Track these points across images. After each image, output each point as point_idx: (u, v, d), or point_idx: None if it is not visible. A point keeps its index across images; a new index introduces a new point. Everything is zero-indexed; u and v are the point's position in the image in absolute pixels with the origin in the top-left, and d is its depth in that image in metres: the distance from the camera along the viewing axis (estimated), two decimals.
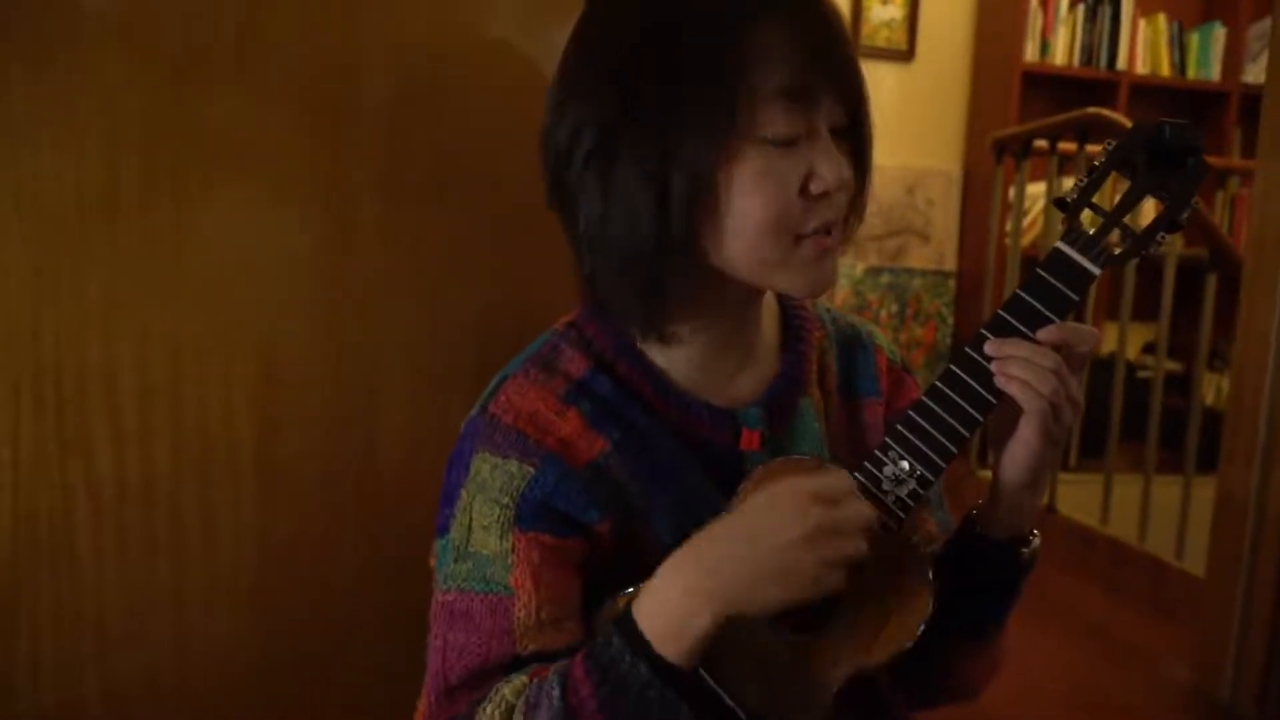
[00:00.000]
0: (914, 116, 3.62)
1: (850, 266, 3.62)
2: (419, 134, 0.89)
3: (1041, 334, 0.63)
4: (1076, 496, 2.54)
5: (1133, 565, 2.32)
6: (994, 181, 3.02)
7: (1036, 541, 0.70)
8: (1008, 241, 2.95)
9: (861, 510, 0.60)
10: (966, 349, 0.65)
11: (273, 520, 0.89)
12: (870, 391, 0.77)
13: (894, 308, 3.67)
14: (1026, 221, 3.31)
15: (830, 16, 0.64)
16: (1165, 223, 0.65)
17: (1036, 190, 3.28)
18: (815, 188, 0.63)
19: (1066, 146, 2.64)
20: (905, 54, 3.59)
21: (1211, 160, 3.39)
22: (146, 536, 0.87)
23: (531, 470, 0.63)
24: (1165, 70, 3.64)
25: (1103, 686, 1.84)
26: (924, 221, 3.68)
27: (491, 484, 0.63)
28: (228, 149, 0.86)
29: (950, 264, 3.70)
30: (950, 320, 3.71)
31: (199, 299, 0.86)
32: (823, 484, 0.59)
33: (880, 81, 3.57)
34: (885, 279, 3.66)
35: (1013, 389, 0.62)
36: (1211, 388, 3.40)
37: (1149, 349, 3.51)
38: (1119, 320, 2.61)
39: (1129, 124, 2.45)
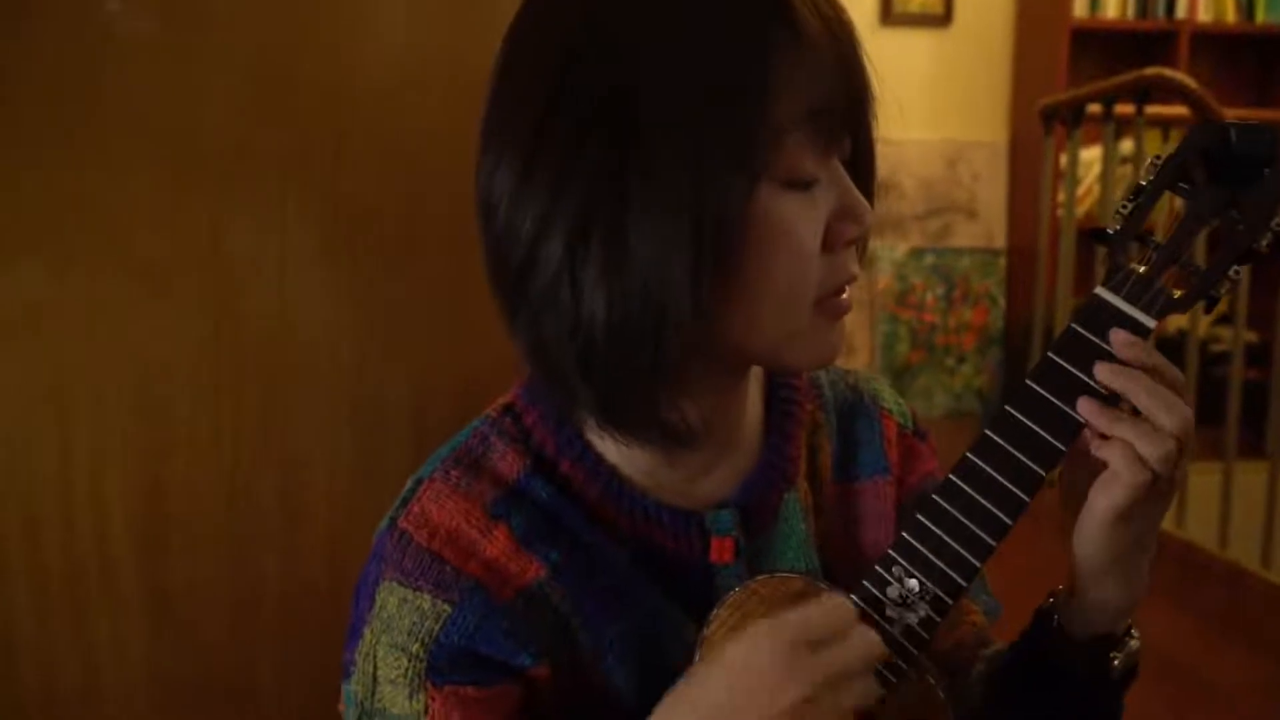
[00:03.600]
0: (953, 86, 3.42)
1: (891, 249, 3.44)
2: (313, 206, 0.78)
3: (1100, 370, 0.50)
4: None
5: (1211, 577, 2.12)
6: (1044, 151, 2.81)
7: (1134, 644, 0.56)
8: (1060, 214, 2.74)
9: (869, 643, 0.47)
10: (988, 431, 0.52)
11: (171, 662, 0.79)
12: (876, 469, 0.64)
13: (940, 290, 3.48)
14: (1081, 190, 3.10)
15: (849, 27, 0.51)
16: (1238, 253, 0.51)
17: (1091, 156, 3.06)
18: (840, 237, 0.52)
19: (1123, 110, 2.43)
20: (942, 19, 3.39)
21: None
22: (12, 679, 0.76)
23: (447, 609, 0.52)
24: (1230, 16, 3.36)
25: None
26: (969, 197, 3.48)
27: (399, 624, 0.53)
28: (84, 229, 0.75)
29: (1000, 241, 3.49)
30: (1002, 301, 3.51)
31: (69, 403, 0.75)
32: (815, 620, 0.47)
33: (915, 50, 3.38)
34: (930, 260, 3.47)
35: (1107, 452, 0.49)
36: None
37: (1221, 320, 3.26)
38: None
39: (1193, 84, 2.26)
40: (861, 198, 0.52)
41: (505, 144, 0.50)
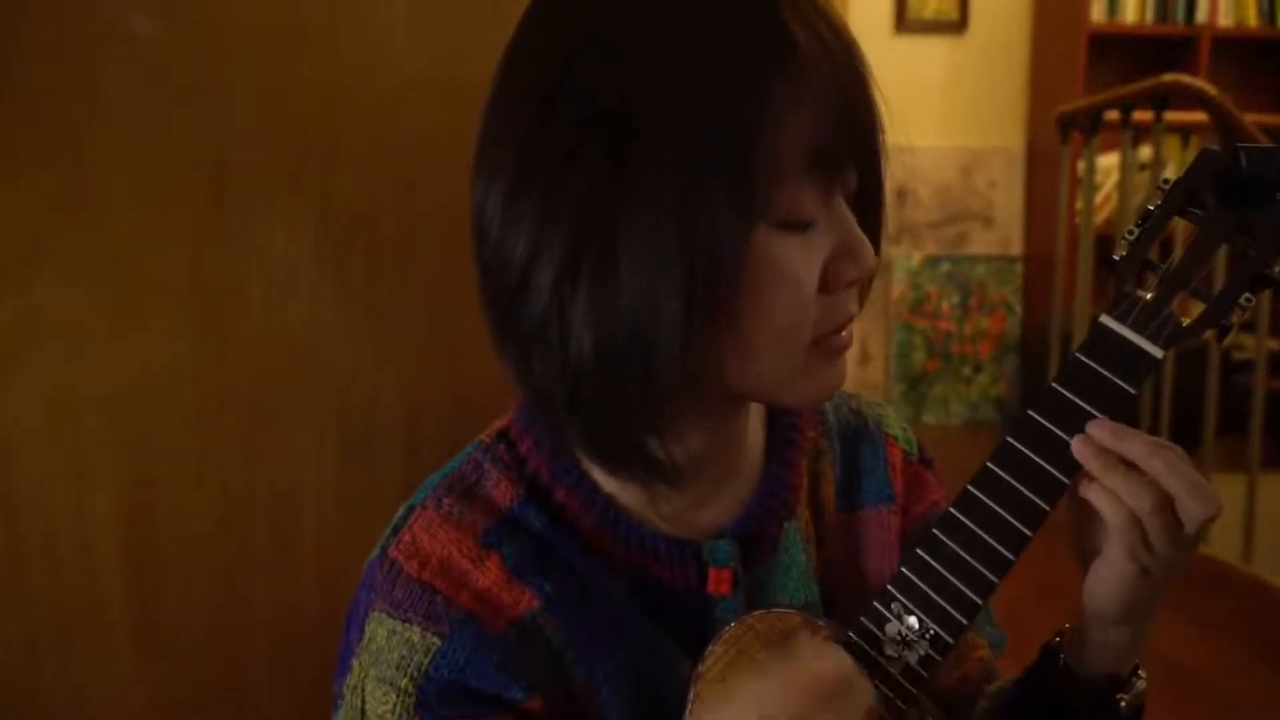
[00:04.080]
0: (969, 92, 3.39)
1: (906, 257, 3.42)
2: (302, 221, 0.78)
3: (1091, 430, 0.48)
4: None
5: (1235, 593, 2.08)
6: (1061, 158, 2.78)
7: (1142, 684, 0.55)
8: (1078, 221, 2.71)
9: (864, 699, 0.47)
10: (989, 464, 0.50)
11: (157, 690, 0.78)
12: (880, 498, 0.62)
13: (956, 299, 3.44)
14: (1099, 198, 3.06)
15: (856, 56, 0.49)
16: (1249, 279, 0.49)
17: (1109, 163, 3.03)
18: (839, 278, 0.50)
19: (1141, 116, 2.40)
20: (957, 25, 3.36)
21: None
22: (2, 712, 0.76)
23: (437, 642, 0.51)
24: (1252, 20, 3.31)
25: None
26: (985, 204, 3.44)
27: (388, 656, 0.52)
28: (63, 252, 0.75)
29: (1016, 248, 3.46)
30: (1018, 309, 3.47)
31: (54, 435, 0.74)
32: (827, 677, 0.46)
33: (931, 57, 3.36)
34: (945, 268, 3.44)
35: (1094, 496, 0.48)
36: None
37: (1245, 327, 3.20)
38: None
39: (1212, 91, 2.23)
40: (863, 238, 0.50)
41: (497, 164, 0.49)
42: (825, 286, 0.49)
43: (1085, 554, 0.51)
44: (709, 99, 0.45)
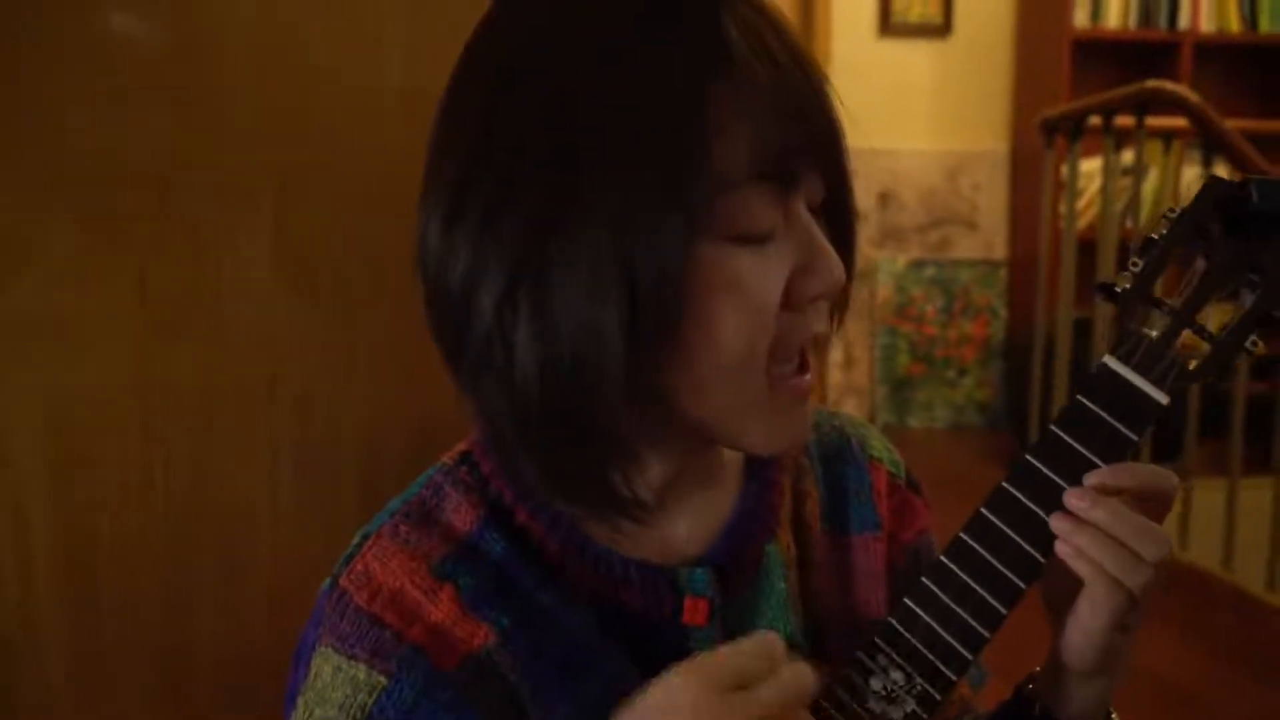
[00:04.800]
0: (953, 96, 3.38)
1: (891, 261, 3.40)
2: (255, 240, 0.74)
3: (1090, 479, 0.46)
4: None
5: (1216, 603, 2.07)
6: (1044, 163, 2.77)
7: None
8: (1062, 225, 2.70)
9: (798, 677, 0.42)
10: (984, 510, 0.47)
11: None
12: (866, 525, 0.60)
13: (940, 303, 3.44)
14: (1082, 203, 3.05)
15: (807, 66, 0.47)
16: (1257, 317, 0.47)
17: (1092, 167, 3.02)
18: (804, 293, 0.47)
19: (1124, 121, 2.39)
20: (941, 29, 3.35)
21: None
22: None
23: (383, 681, 0.48)
24: (1234, 26, 3.32)
25: None
26: (970, 208, 3.44)
27: (331, 695, 0.48)
28: (16, 272, 0.71)
29: (1000, 252, 3.45)
30: (1003, 313, 3.46)
31: None
32: (739, 659, 0.42)
33: (915, 61, 3.34)
34: (930, 272, 3.42)
35: (1080, 568, 0.46)
36: None
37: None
38: None
39: (1193, 97, 2.22)
40: (828, 249, 0.47)
41: (437, 188, 0.47)
42: (788, 302, 0.47)
43: (1057, 604, 0.49)
44: (642, 112, 0.43)
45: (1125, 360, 0.47)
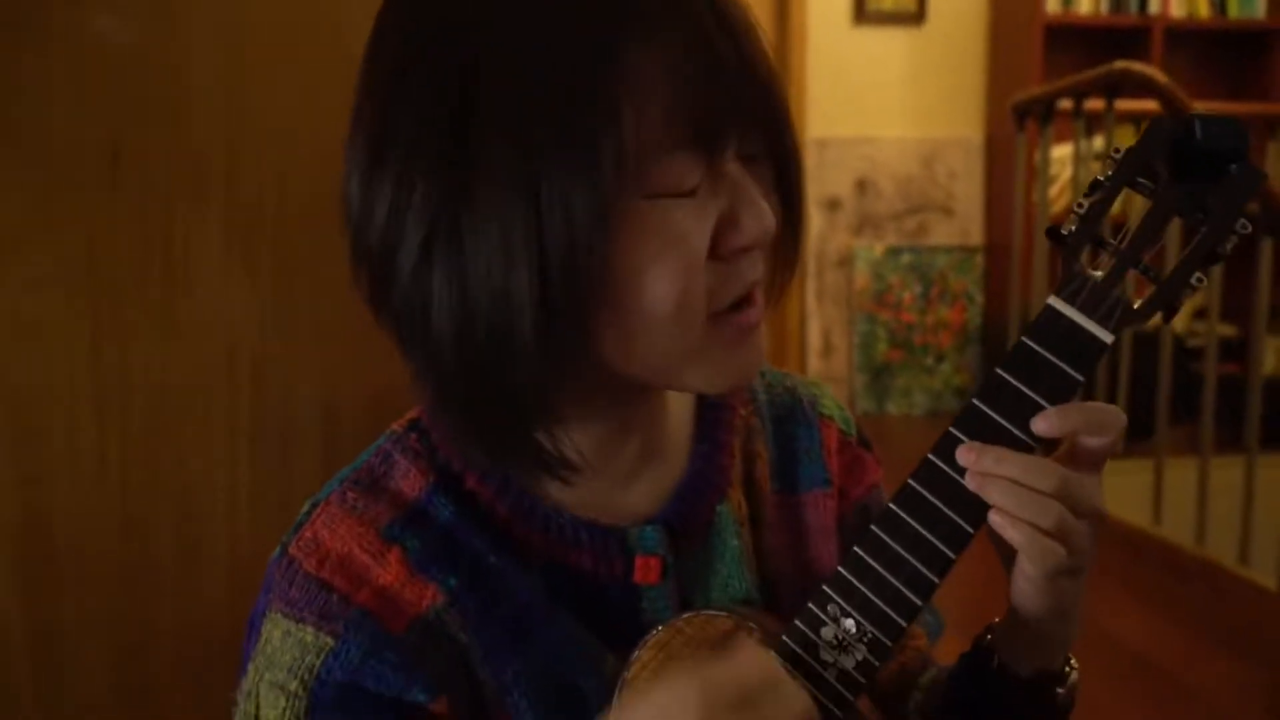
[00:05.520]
0: (928, 84, 3.39)
1: (869, 248, 3.41)
2: (206, 209, 0.73)
3: (1037, 423, 0.46)
4: (1122, 490, 2.31)
5: (1189, 577, 2.09)
6: (1017, 148, 2.79)
7: (1075, 676, 0.54)
8: (1037, 211, 2.72)
9: (800, 703, 0.44)
10: (931, 456, 0.47)
11: (53, 706, 0.73)
12: (815, 482, 0.60)
13: (917, 289, 3.45)
14: (1054, 190, 3.07)
15: (728, 19, 0.46)
16: (1202, 256, 0.46)
17: (1063, 153, 3.04)
18: (732, 244, 0.46)
19: (1094, 105, 2.41)
20: (915, 16, 3.36)
21: (1260, 108, 3.12)
22: None
23: (330, 642, 0.48)
24: (1203, 11, 3.35)
25: None
26: (945, 195, 3.45)
27: (280, 659, 0.48)
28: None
29: (976, 238, 3.47)
30: (979, 299, 3.48)
31: None
32: (745, 679, 0.43)
33: (889, 49, 3.35)
34: (906, 259, 3.43)
35: (996, 522, 0.45)
36: (1272, 353, 3.13)
37: (1199, 314, 3.25)
38: None
39: (1162, 78, 2.24)
40: (757, 200, 0.46)
41: (356, 148, 0.47)
42: (716, 252, 0.46)
43: (1005, 552, 0.49)
44: (552, 68, 0.42)
45: (1070, 300, 0.46)
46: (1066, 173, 3.11)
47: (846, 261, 3.39)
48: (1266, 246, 2.13)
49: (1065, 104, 2.49)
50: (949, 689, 0.56)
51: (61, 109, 0.71)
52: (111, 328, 0.73)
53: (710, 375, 0.48)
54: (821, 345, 3.37)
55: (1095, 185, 0.48)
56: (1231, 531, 2.05)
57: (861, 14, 3.33)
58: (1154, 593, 2.12)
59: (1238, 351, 3.00)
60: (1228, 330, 3.12)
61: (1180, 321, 3.07)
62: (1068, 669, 0.53)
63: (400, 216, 0.44)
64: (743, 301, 0.48)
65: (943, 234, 3.45)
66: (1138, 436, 2.52)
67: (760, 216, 0.46)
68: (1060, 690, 0.53)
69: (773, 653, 0.46)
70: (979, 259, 3.47)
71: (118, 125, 0.72)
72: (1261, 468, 2.06)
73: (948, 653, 0.61)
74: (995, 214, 3.41)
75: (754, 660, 0.44)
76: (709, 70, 0.44)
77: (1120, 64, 2.24)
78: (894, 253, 3.42)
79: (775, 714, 0.42)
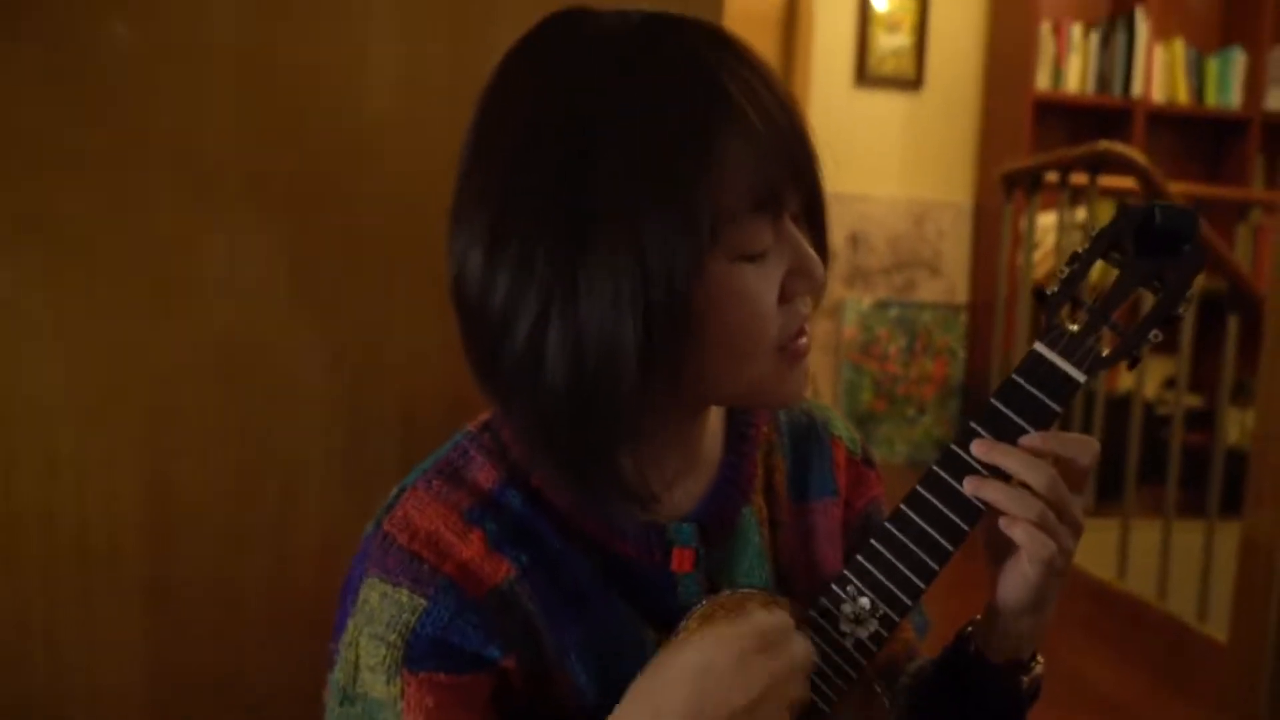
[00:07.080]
0: (923, 147, 3.55)
1: (857, 300, 3.54)
2: (325, 216, 0.82)
3: (1024, 441, 0.56)
4: (1091, 545, 2.40)
5: (1151, 629, 2.20)
6: (1004, 214, 2.94)
7: (1039, 668, 0.64)
8: (1020, 274, 2.85)
9: (804, 649, 0.55)
10: (934, 467, 0.57)
11: (166, 651, 0.81)
12: (825, 491, 0.70)
13: (903, 342, 3.58)
14: (1039, 255, 3.22)
15: (779, 93, 0.56)
16: (1158, 318, 0.57)
17: (1048, 221, 3.19)
18: (794, 292, 0.57)
19: (1078, 179, 2.56)
20: (913, 83, 3.53)
21: (1232, 191, 3.27)
22: (19, 675, 0.78)
23: (423, 603, 0.56)
24: (1183, 97, 3.55)
25: None
26: (933, 254, 3.60)
27: (379, 616, 0.57)
28: (107, 245, 0.78)
29: (961, 297, 3.61)
30: (961, 354, 3.61)
31: (80, 410, 0.78)
32: (765, 628, 0.54)
33: (888, 112, 3.51)
34: (894, 312, 3.57)
35: (1004, 523, 0.56)
36: (1236, 425, 3.27)
37: (1170, 384, 3.39)
38: None
39: (1140, 159, 2.40)
40: (813, 255, 0.57)
41: (474, 226, 0.54)
42: (783, 299, 0.57)
43: (996, 553, 0.59)
44: (657, 155, 0.51)
45: (1052, 347, 0.57)
46: (1050, 239, 3.26)
47: (836, 311, 3.52)
48: (1233, 323, 2.27)
49: (1051, 177, 2.64)
50: (933, 671, 0.66)
51: (156, 132, 0.80)
52: (242, 332, 0.83)
53: (775, 394, 0.59)
54: (809, 391, 3.47)
55: (1075, 257, 0.59)
56: (1191, 589, 2.16)
57: (862, 77, 3.50)
58: (1120, 641, 2.23)
59: (1203, 421, 3.14)
60: (1195, 401, 3.26)
61: (1150, 389, 3.21)
62: (1034, 662, 0.63)
63: (523, 290, 0.52)
64: (798, 333, 0.58)
65: (929, 291, 3.59)
66: (1108, 496, 2.65)
67: (815, 270, 0.57)
68: (1026, 678, 0.63)
69: (786, 613, 0.56)
70: (963, 316, 3.61)
71: (246, 147, 0.82)
72: (1220, 533, 2.15)
73: (929, 651, 0.71)
74: (980, 274, 3.55)
75: (770, 616, 0.54)
76: (779, 150, 0.54)
77: (1104, 144, 2.40)
78: (882, 306, 3.55)
79: (789, 653, 0.53)
